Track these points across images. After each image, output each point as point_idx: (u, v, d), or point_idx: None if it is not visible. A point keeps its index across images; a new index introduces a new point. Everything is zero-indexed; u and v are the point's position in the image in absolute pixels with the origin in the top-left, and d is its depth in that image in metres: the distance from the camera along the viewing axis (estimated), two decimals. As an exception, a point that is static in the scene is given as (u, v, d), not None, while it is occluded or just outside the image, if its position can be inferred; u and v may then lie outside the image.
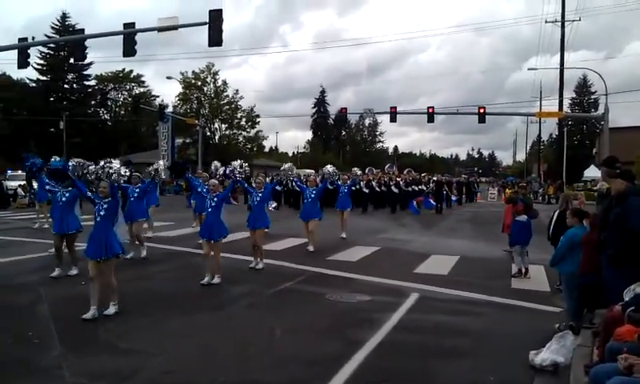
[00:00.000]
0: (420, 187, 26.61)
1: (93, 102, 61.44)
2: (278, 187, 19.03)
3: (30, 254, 11.10)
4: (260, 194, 10.27)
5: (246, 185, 11.11)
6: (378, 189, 25.56)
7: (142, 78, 65.84)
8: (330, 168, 14.19)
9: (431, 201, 25.47)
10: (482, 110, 31.28)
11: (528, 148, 78.43)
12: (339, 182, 15.91)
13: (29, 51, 22.05)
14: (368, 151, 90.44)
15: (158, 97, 62.65)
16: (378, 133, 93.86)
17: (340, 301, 7.79)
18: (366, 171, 26.90)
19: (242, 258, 10.71)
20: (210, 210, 8.80)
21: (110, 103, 64.67)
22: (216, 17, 18.57)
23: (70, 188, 8.79)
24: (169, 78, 46.29)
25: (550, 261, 6.87)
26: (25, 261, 10.59)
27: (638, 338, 4.01)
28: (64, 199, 9.02)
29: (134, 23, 20.08)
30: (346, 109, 40.48)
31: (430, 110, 32.36)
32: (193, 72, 53.02)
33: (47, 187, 9.93)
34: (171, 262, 10.89)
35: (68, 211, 9.06)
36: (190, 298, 7.84)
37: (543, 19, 62.31)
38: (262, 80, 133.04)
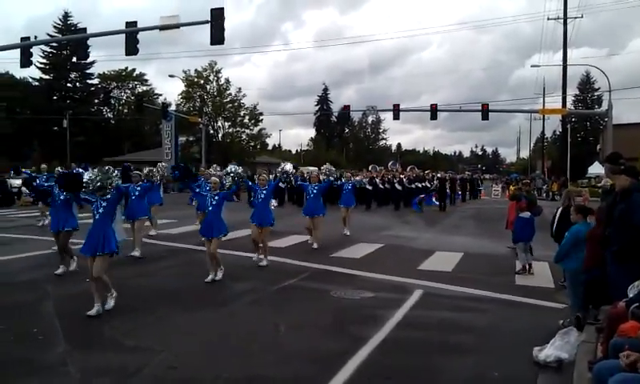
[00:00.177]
0: (424, 184, 26.51)
1: (96, 101, 61.76)
2: (281, 184, 19.03)
3: (34, 252, 11.13)
4: (264, 192, 10.28)
5: (250, 183, 11.12)
6: (381, 186, 25.56)
7: (145, 77, 66.32)
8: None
9: (434, 199, 25.44)
10: (485, 107, 31.28)
11: (532, 145, 78.49)
12: (343, 180, 15.88)
13: (31, 50, 22.11)
14: (371, 148, 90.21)
15: (160, 95, 63.11)
16: (380, 130, 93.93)
17: (344, 297, 7.79)
18: (370, 168, 26.87)
19: (244, 255, 10.74)
20: (210, 208, 8.83)
21: (113, 102, 64.91)
22: (218, 15, 18.58)
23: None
24: (171, 76, 46.64)
25: (554, 257, 6.85)
26: (29, 258, 10.62)
27: (642, 335, 3.99)
28: (62, 197, 9.01)
29: (135, 22, 20.10)
30: (348, 106, 41.01)
31: (434, 107, 32.38)
32: (195, 70, 53.18)
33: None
34: (174, 259, 10.91)
35: (65, 209, 9.09)
36: (193, 295, 7.86)
37: (545, 16, 62.22)
38: (264, 78, 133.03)
